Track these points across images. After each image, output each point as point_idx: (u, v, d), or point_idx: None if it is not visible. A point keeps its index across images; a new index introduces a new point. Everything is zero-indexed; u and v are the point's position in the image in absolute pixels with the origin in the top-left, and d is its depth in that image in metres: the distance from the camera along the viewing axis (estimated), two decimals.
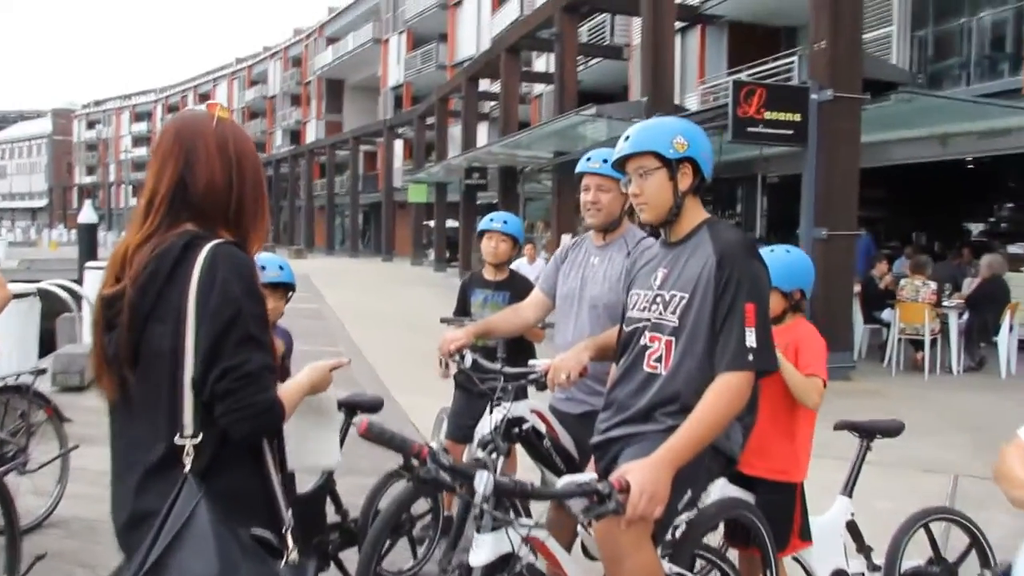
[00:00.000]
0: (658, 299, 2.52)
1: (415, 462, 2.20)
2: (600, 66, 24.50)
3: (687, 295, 2.44)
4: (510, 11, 30.94)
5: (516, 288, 4.57)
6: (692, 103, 18.32)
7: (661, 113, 14.53)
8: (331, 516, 3.67)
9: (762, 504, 2.84)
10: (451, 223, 33.70)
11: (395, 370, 9.60)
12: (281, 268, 3.56)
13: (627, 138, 2.55)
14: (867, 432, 3.26)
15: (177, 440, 1.71)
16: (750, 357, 2.31)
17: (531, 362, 3.06)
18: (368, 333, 12.80)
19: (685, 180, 2.52)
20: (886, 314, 10.73)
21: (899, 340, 10.29)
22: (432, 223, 33.93)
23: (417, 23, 40.66)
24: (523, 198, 25.48)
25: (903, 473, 5.77)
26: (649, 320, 2.52)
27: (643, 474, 2.13)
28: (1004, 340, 9.94)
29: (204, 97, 74.22)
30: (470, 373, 3.15)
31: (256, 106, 66.45)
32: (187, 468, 1.70)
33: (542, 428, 3.18)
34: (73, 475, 4.80)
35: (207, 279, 1.70)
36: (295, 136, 59.52)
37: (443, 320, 4.61)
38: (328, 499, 3.66)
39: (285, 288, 3.58)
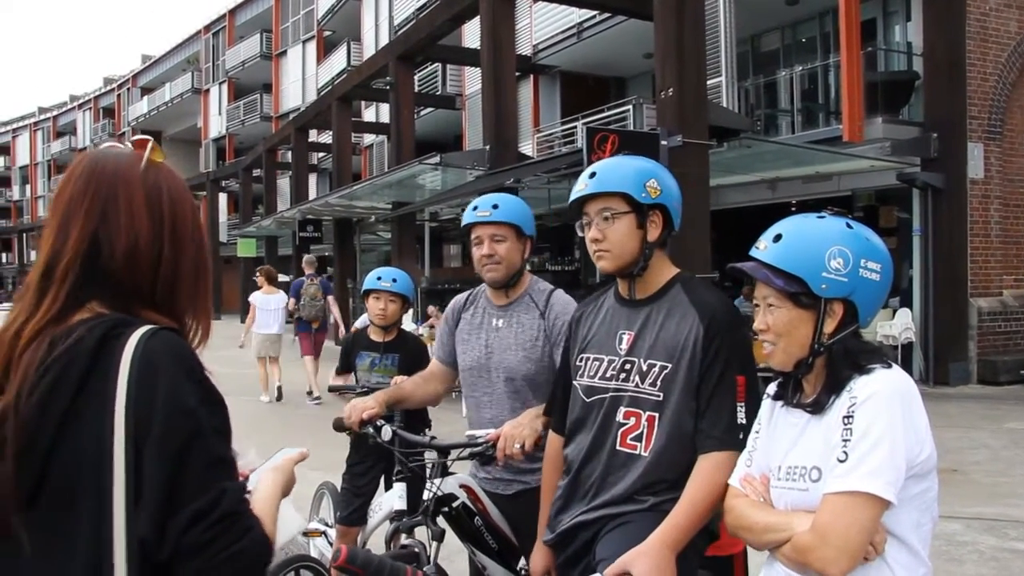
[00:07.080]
0: (628, 367, 2.19)
1: None
2: (432, 116, 24.46)
3: (669, 365, 2.13)
4: (337, 61, 30.52)
5: (407, 350, 4.20)
6: (527, 150, 18.50)
7: (504, 161, 14.53)
8: None
9: None
10: (283, 278, 32.60)
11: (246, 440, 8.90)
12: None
13: (593, 175, 2.22)
14: None
15: None
16: (740, 435, 2.02)
17: (470, 432, 2.70)
18: None
19: (655, 230, 2.22)
20: None
21: None
22: None
23: (239, 73, 39.43)
24: (359, 249, 24.94)
25: None
26: (624, 392, 2.19)
27: (646, 563, 1.87)
28: None
29: (3, 149, 69.16)
30: (392, 448, 2.78)
31: (64, 159, 62.12)
32: None
33: (473, 506, 2.83)
34: None
35: (144, 385, 1.18)
36: None
37: (332, 389, 4.16)
38: None
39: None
